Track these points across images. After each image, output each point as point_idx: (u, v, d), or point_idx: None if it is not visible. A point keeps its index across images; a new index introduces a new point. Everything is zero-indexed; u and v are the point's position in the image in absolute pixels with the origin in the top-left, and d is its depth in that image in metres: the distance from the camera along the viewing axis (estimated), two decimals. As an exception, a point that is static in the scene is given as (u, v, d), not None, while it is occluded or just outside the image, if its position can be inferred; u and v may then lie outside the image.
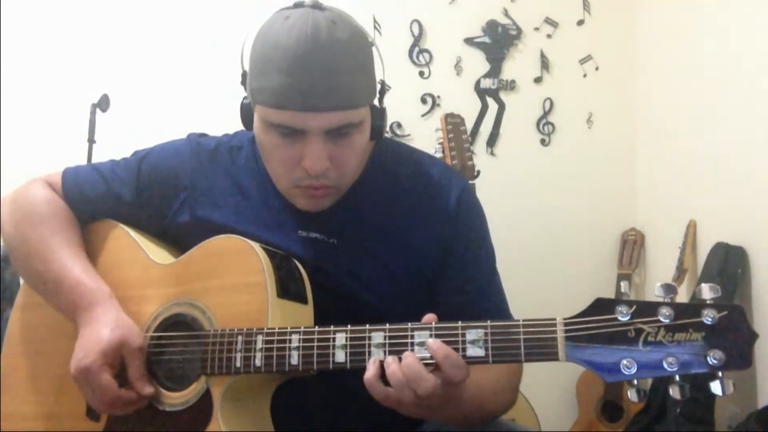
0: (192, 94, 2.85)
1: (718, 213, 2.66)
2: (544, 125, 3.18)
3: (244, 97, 1.27)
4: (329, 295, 1.26)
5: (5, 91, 2.72)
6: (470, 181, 2.54)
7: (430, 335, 1.03)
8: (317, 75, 1.13)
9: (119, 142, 2.64)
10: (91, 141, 2.51)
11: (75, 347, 1.23)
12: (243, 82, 1.27)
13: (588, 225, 3.21)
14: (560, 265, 3.14)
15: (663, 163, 3.05)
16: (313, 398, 1.25)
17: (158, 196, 1.38)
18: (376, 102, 1.27)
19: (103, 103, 2.54)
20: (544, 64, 3.17)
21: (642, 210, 3.22)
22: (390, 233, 1.30)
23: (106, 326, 1.22)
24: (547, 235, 3.17)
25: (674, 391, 0.87)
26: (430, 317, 1.07)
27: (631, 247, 3.09)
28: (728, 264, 2.50)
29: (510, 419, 2.26)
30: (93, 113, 2.53)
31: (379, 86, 1.26)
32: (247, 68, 1.25)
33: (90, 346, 1.20)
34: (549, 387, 3.07)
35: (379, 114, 1.26)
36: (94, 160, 2.48)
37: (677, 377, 0.87)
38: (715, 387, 0.85)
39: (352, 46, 1.16)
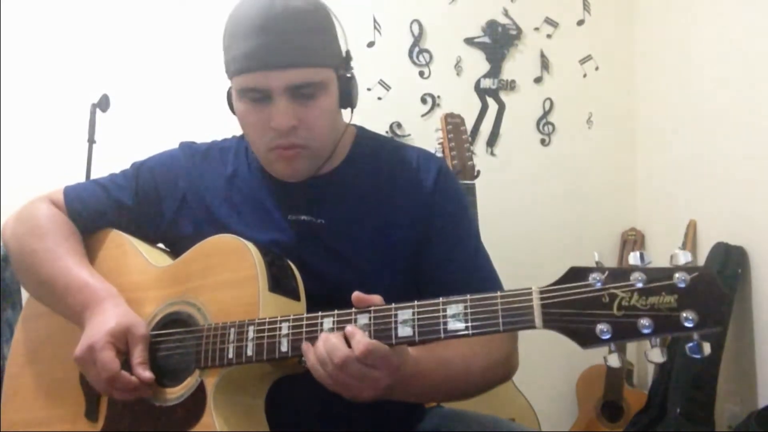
0: (192, 94, 2.86)
1: (718, 213, 2.66)
2: (544, 125, 3.18)
3: (230, 87, 1.33)
4: (319, 275, 1.30)
5: (5, 91, 2.73)
6: (470, 181, 2.55)
7: (413, 313, 1.04)
8: (274, 36, 1.22)
9: (119, 142, 2.69)
10: (91, 141, 2.53)
11: (82, 337, 1.25)
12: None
13: (588, 225, 3.20)
14: (560, 265, 3.04)
15: (663, 163, 3.05)
16: (309, 397, 1.24)
17: (157, 197, 1.44)
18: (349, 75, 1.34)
19: (103, 103, 2.56)
20: (544, 64, 3.17)
21: (642, 210, 3.22)
22: (374, 213, 1.35)
23: (114, 316, 1.26)
24: (547, 235, 3.17)
25: (654, 355, 0.88)
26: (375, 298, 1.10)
27: (631, 247, 3.08)
28: (728, 264, 2.49)
29: (510, 419, 2.27)
30: (93, 113, 2.55)
31: (344, 55, 1.34)
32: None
33: (98, 328, 1.24)
34: (549, 387, 3.07)
35: (345, 81, 1.32)
36: (94, 160, 2.51)
37: (654, 340, 0.87)
38: (691, 349, 0.85)
39: (307, 12, 1.25)
